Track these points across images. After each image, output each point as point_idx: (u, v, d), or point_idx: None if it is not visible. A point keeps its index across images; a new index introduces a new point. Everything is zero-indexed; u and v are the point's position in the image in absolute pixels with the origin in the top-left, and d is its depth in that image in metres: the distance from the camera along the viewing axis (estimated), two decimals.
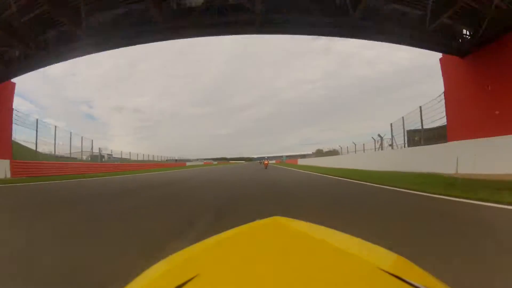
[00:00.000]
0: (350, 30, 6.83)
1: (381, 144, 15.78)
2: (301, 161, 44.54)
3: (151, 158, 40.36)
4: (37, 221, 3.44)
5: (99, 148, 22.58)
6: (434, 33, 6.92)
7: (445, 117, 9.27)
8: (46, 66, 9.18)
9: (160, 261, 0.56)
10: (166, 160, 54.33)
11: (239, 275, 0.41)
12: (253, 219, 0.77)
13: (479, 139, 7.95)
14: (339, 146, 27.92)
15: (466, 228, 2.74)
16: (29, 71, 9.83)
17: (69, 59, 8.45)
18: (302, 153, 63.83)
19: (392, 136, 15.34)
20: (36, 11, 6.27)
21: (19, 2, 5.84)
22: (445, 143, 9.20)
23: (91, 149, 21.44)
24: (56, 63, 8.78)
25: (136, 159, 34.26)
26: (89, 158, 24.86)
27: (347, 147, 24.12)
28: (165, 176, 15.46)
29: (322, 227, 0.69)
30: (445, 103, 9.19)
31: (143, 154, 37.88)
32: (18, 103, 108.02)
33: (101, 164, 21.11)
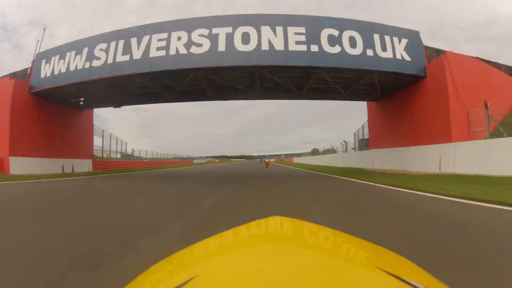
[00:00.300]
0: (302, 98, 12.95)
1: (346, 147, 21.69)
2: (296, 159, 50.71)
3: (159, 156, 44.39)
4: (191, 180, 9.48)
5: (132, 149, 28.44)
6: (353, 93, 12.82)
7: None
8: (120, 106, 15.11)
9: (159, 262, 0.57)
10: (173, 158, 58.43)
11: (238, 275, 0.41)
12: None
13: (384, 149, 13.86)
14: (322, 147, 34.13)
15: (324, 182, 8.66)
16: (109, 107, 15.73)
17: (146, 104, 14.70)
18: (299, 152, 69.06)
19: (354, 142, 21.27)
20: (139, 84, 12.08)
21: (141, 81, 11.52)
22: (369, 150, 15.16)
23: (125, 150, 27.32)
24: (134, 104, 14.86)
25: (150, 157, 39.54)
26: (120, 156, 30.76)
27: (325, 148, 30.65)
28: (197, 169, 22.02)
29: (322, 227, 0.70)
30: (368, 126, 15.26)
31: (152, 152, 41.62)
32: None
33: (135, 161, 27.00)
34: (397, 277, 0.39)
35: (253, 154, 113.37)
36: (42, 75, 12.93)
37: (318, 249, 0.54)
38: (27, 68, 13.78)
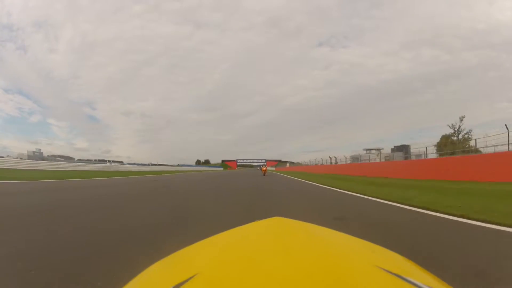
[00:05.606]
0: None
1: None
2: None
3: (166, 162, 53.39)
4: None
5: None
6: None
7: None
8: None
9: (160, 260, 0.57)
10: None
11: (238, 274, 0.41)
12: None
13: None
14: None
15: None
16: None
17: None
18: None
19: None
20: None
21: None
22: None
23: None
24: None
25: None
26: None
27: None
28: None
29: (322, 227, 0.70)
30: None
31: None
32: (19, 101, 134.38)
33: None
34: (398, 276, 0.39)
35: (253, 164, 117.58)
36: (238, 162, 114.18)
37: (318, 249, 0.53)
38: (235, 159, 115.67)
